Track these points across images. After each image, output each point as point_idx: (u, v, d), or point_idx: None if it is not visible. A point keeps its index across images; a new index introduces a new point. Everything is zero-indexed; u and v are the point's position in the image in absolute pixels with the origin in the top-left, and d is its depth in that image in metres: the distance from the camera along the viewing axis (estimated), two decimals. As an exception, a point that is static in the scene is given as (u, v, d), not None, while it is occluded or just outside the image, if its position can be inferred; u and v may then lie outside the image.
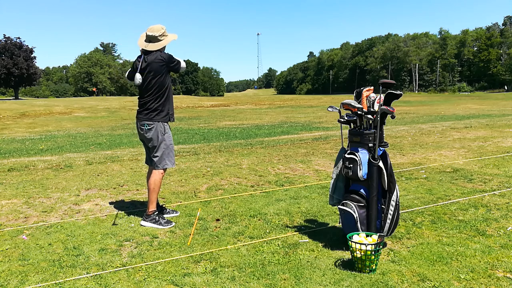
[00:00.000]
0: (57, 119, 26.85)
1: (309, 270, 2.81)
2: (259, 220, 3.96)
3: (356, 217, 3.09)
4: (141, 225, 3.88)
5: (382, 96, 3.16)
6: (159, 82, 3.85)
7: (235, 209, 4.32)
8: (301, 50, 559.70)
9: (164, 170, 4.05)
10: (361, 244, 2.72)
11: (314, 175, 5.94)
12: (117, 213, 4.28)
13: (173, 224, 3.89)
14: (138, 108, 4.02)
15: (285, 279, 2.69)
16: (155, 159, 3.96)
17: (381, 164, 3.11)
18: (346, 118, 3.33)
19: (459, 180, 5.31)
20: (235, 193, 4.99)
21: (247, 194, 4.96)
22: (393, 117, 3.13)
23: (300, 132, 13.53)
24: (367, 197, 3.15)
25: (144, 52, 3.88)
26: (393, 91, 3.09)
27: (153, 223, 3.86)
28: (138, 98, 4.01)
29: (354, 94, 3.39)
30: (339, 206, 3.22)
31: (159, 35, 3.85)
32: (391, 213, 3.11)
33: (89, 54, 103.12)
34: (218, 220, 4.00)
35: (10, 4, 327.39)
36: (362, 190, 3.19)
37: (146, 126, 3.91)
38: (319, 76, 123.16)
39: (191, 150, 8.68)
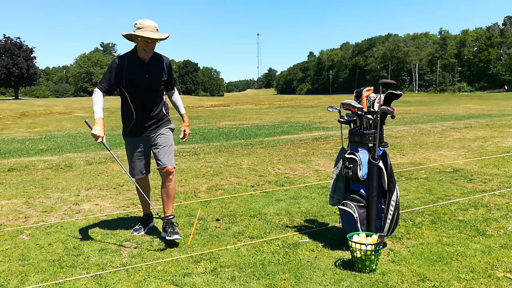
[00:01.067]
0: (57, 119, 26.85)
1: (309, 270, 2.81)
2: (259, 220, 3.96)
3: (356, 217, 3.09)
4: None
5: (382, 96, 3.17)
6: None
7: (235, 209, 4.32)
8: (301, 50, 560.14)
9: (136, 180, 3.72)
10: (361, 244, 2.72)
11: (314, 175, 5.94)
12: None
13: (133, 234, 3.65)
14: None
15: (285, 279, 2.69)
16: None
17: (381, 164, 3.11)
18: (346, 118, 3.33)
19: (459, 180, 5.30)
20: (235, 193, 4.99)
21: (247, 194, 4.96)
22: (393, 117, 3.13)
23: (300, 132, 13.53)
24: (367, 197, 3.15)
25: None
26: (393, 91, 3.09)
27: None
28: None
29: (354, 94, 3.40)
30: (339, 206, 3.22)
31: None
32: (391, 213, 3.10)
33: (89, 54, 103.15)
34: (218, 220, 4.00)
35: (10, 4, 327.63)
36: (362, 190, 3.19)
37: None
38: (319, 76, 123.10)
39: (191, 150, 8.68)
